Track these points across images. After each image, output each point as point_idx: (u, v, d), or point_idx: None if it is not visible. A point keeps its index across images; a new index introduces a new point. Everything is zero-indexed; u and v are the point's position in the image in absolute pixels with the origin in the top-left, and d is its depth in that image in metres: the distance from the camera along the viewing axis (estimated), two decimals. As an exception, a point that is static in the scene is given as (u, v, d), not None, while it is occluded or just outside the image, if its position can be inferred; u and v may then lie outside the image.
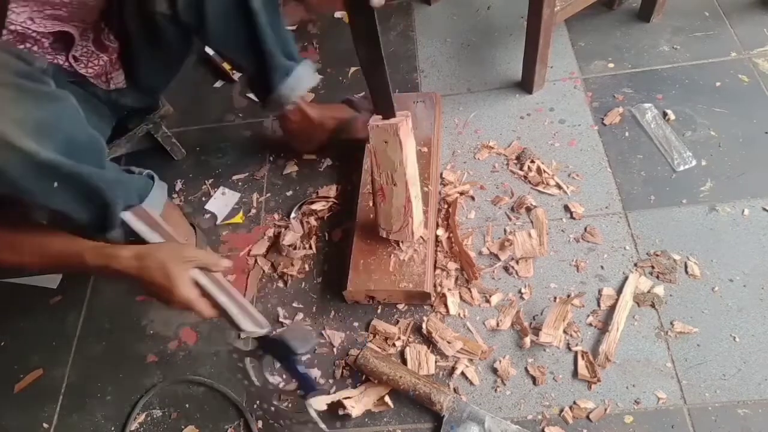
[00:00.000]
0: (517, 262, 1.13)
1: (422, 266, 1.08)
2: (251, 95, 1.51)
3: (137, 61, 1.09)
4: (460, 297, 1.11)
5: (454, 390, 1.02)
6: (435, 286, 1.11)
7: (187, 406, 1.08)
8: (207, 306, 0.87)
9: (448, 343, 1.05)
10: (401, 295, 1.09)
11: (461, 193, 1.23)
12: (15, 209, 0.86)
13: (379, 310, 1.12)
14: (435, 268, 1.13)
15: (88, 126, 0.86)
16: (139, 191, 1.05)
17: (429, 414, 1.00)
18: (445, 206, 1.21)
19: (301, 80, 1.15)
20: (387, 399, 1.01)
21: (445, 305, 1.10)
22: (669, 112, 1.29)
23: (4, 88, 0.73)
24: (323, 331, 1.12)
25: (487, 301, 1.10)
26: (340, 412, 1.01)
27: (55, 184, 0.83)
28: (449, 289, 1.11)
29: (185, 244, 0.94)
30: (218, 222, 1.30)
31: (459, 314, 1.09)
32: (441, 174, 1.26)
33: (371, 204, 1.13)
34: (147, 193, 1.07)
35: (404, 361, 1.05)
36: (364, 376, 1.04)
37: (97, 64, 1.03)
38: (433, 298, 1.10)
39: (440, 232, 1.17)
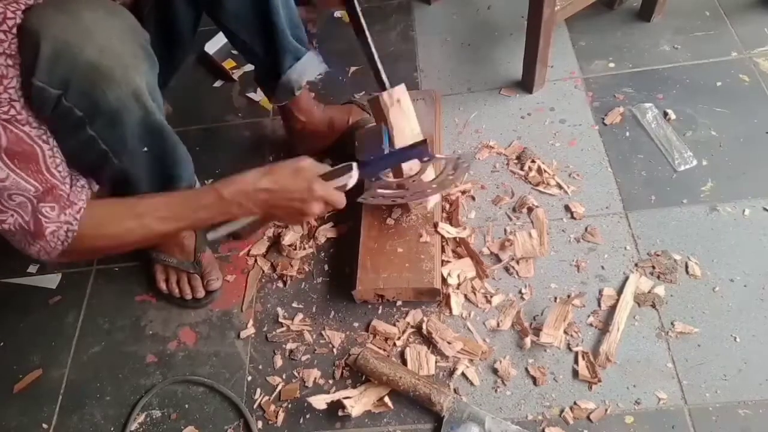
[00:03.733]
0: (518, 263, 1.13)
1: (430, 263, 1.08)
2: (252, 95, 1.51)
3: None
4: (465, 297, 1.10)
5: (455, 390, 1.01)
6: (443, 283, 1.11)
7: (186, 406, 1.08)
8: (341, 194, 0.90)
9: (449, 343, 1.05)
10: (411, 292, 1.09)
11: (463, 192, 1.23)
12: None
13: (379, 310, 1.12)
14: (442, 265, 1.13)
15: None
16: (191, 175, 1.09)
17: (429, 414, 1.00)
18: (447, 205, 1.21)
19: (310, 65, 1.16)
20: (387, 399, 1.00)
21: (449, 305, 1.09)
22: (670, 111, 1.28)
23: (140, 48, 0.82)
24: (323, 331, 1.12)
25: (488, 301, 1.10)
26: (340, 413, 1.00)
27: (145, 149, 0.91)
28: (455, 290, 1.11)
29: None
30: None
31: (461, 315, 1.09)
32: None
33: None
34: (196, 180, 1.11)
35: (404, 362, 1.05)
36: (363, 377, 1.04)
37: None
38: (441, 296, 1.09)
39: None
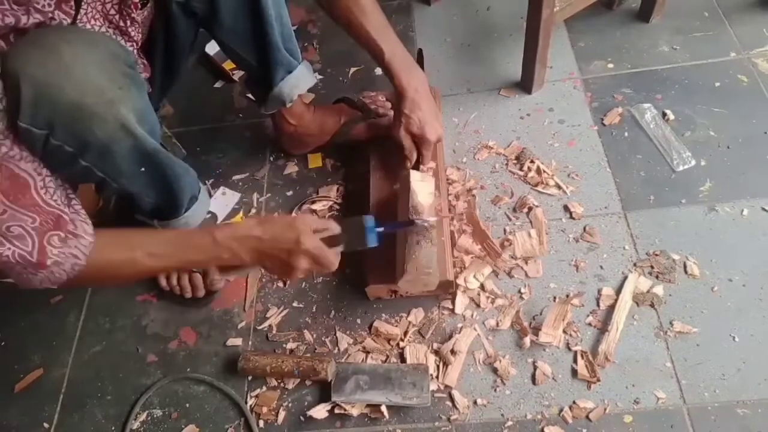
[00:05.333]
0: (527, 262, 1.13)
1: (441, 256, 1.08)
2: (251, 95, 1.51)
3: (153, 64, 1.10)
4: (471, 299, 1.11)
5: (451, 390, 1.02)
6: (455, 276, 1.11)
7: (187, 405, 1.09)
8: (335, 255, 0.89)
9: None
10: None
11: (468, 191, 1.23)
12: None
13: (379, 310, 1.13)
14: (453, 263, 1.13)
15: (156, 117, 0.92)
16: (197, 183, 1.10)
17: (429, 414, 1.01)
18: (457, 201, 1.21)
19: (302, 79, 1.16)
20: (383, 408, 1.01)
21: (453, 303, 1.10)
22: (668, 112, 1.29)
23: (123, 77, 0.81)
24: (323, 331, 1.12)
25: (492, 301, 1.10)
26: (337, 411, 1.01)
27: (143, 169, 0.91)
28: (464, 290, 1.11)
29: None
30: (218, 222, 1.30)
31: (463, 314, 1.09)
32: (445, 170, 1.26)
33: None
34: (199, 186, 1.12)
35: (403, 361, 1.06)
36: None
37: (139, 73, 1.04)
38: (454, 288, 1.10)
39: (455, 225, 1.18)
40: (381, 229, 0.95)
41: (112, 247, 0.85)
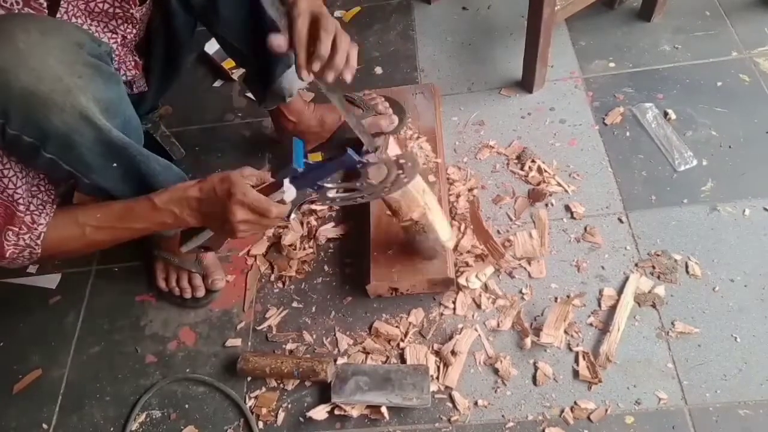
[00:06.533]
0: (530, 263, 1.12)
1: (442, 253, 1.08)
2: (250, 94, 1.50)
3: (151, 61, 1.09)
4: (473, 300, 1.10)
5: (450, 395, 1.02)
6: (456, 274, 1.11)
7: (186, 406, 1.08)
8: (270, 202, 0.87)
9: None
10: (425, 283, 1.08)
11: (470, 190, 1.23)
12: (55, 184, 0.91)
13: (379, 310, 1.12)
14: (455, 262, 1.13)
15: (134, 111, 0.91)
16: (181, 180, 1.07)
17: (429, 415, 1.00)
18: (458, 201, 1.21)
19: None
20: (383, 409, 1.00)
21: (454, 304, 1.10)
22: (670, 111, 1.28)
23: (84, 66, 0.78)
24: (323, 332, 1.12)
25: (493, 302, 1.09)
26: (337, 412, 1.01)
27: (114, 164, 0.89)
28: (466, 291, 1.11)
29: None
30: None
31: (464, 315, 1.08)
32: (446, 170, 1.26)
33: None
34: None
35: (404, 361, 1.05)
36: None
37: (129, 69, 1.03)
38: (456, 285, 1.09)
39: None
40: (308, 161, 0.91)
41: (61, 228, 0.89)
